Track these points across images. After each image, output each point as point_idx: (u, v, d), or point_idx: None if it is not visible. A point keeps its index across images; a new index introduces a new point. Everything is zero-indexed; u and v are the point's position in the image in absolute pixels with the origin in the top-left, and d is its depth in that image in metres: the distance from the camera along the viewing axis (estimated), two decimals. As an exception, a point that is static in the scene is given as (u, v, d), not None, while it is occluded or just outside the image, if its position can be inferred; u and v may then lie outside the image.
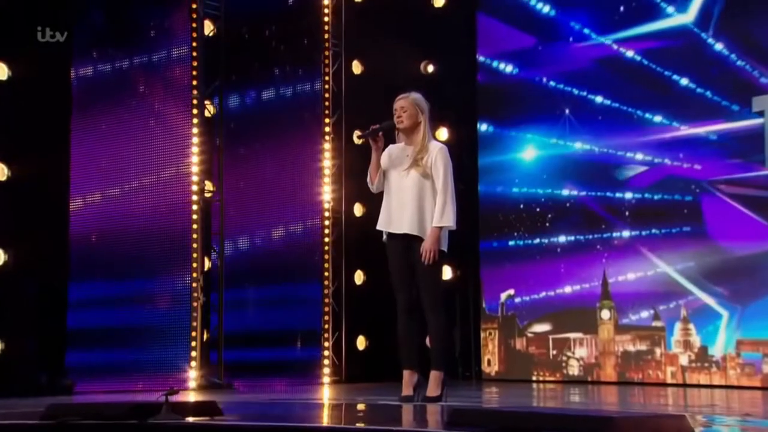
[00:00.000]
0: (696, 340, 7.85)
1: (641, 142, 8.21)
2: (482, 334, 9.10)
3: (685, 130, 7.99)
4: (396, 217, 5.44)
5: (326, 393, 7.45)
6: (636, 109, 8.25)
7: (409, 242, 5.41)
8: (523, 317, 8.88)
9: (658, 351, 8.05)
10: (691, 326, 7.88)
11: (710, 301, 7.80)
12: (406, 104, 5.47)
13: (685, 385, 7.84)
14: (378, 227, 5.51)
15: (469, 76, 9.30)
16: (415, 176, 5.41)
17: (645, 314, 8.15)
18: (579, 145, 8.60)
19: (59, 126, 7.24)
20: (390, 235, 5.48)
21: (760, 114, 7.56)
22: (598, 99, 8.47)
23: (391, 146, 5.59)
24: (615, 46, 8.39)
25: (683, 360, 7.90)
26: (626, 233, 8.28)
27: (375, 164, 5.52)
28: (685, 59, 7.96)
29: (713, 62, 7.81)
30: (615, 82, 8.37)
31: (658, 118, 8.13)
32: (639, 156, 8.25)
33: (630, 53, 8.29)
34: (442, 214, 5.33)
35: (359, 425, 4.34)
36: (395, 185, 5.47)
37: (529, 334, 8.82)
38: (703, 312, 7.85)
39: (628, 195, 8.29)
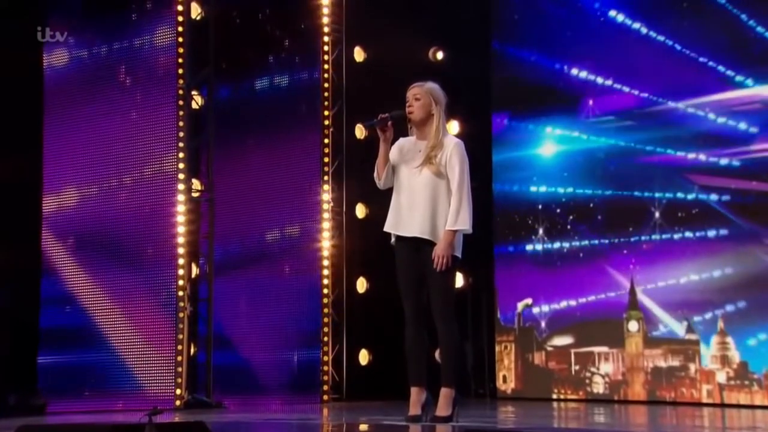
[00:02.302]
0: (735, 355, 7.79)
1: (673, 136, 8.15)
2: (497, 348, 9.06)
3: (723, 123, 7.91)
4: (406, 218, 5.42)
5: (325, 412, 7.41)
6: (667, 100, 8.19)
7: (420, 246, 5.38)
8: (542, 329, 8.83)
9: (692, 367, 8.00)
10: (729, 339, 7.82)
11: (751, 311, 7.71)
12: (420, 93, 5.47)
13: (722, 405, 7.78)
14: (385, 229, 5.48)
15: (483, 64, 9.24)
16: (427, 175, 5.39)
17: (677, 326, 8.10)
18: (604, 140, 8.55)
19: (30, 119, 7.28)
20: (399, 238, 5.46)
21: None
22: (626, 89, 8.42)
23: (401, 139, 5.58)
24: (645, 30, 8.33)
25: (721, 377, 7.84)
26: (656, 236, 8.22)
27: (383, 157, 5.50)
28: (724, 42, 7.89)
29: (755, 44, 7.75)
30: (645, 70, 8.31)
31: (691, 110, 8.07)
32: (670, 151, 8.19)
33: (662, 38, 8.22)
34: (456, 217, 5.31)
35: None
36: (406, 183, 5.46)
37: (549, 348, 8.78)
38: (742, 324, 7.76)
39: (659, 194, 8.23)
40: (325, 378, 8.44)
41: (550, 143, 8.87)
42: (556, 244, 8.77)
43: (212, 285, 8.14)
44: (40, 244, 7.47)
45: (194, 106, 8.12)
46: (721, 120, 7.92)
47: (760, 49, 7.71)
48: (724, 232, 7.87)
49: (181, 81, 7.85)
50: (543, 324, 8.81)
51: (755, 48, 7.74)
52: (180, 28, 7.84)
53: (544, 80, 8.87)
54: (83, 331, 7.68)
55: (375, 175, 5.53)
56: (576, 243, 8.66)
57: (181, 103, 7.84)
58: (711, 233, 7.93)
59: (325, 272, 8.53)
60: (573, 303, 8.63)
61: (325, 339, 8.48)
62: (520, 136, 9.05)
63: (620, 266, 8.37)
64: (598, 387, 8.47)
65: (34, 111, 7.32)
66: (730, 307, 7.80)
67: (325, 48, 8.77)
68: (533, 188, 8.94)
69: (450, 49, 9.40)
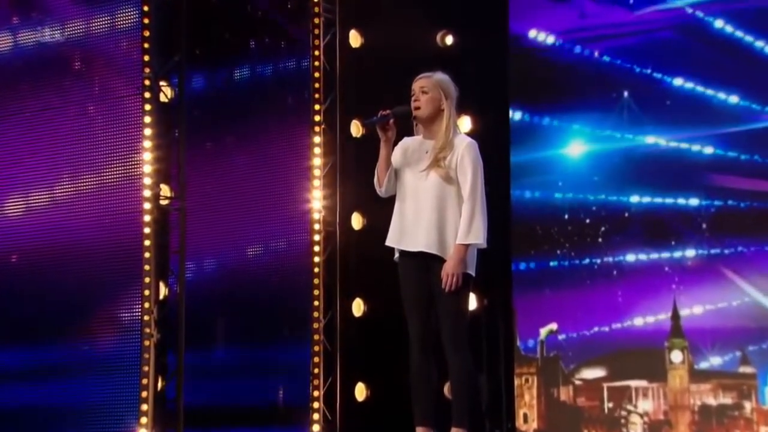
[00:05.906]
0: (798, 391, 7.93)
1: (722, 134, 8.17)
2: (516, 381, 9.02)
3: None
4: (410, 230, 5.41)
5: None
6: (717, 92, 8.19)
7: (427, 263, 5.36)
8: (569, 359, 8.83)
9: (747, 405, 8.02)
10: (792, 373, 7.94)
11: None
12: (428, 86, 5.45)
13: (783, 450, 7.88)
14: (388, 243, 5.47)
15: (499, 50, 9.17)
16: (435, 179, 5.39)
17: (729, 357, 8.11)
18: (641, 138, 8.56)
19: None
20: (403, 253, 5.45)
21: None
22: (667, 78, 8.42)
23: (406, 139, 5.57)
24: (690, 10, 8.35)
25: (781, 417, 7.95)
26: (703, 251, 8.24)
27: (384, 160, 5.48)
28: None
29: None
30: (689, 58, 8.33)
31: (744, 104, 8.09)
32: (719, 152, 8.19)
33: (709, 19, 8.26)
34: (469, 229, 5.29)
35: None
36: (410, 190, 5.46)
37: (577, 382, 8.78)
38: (807, 354, 7.90)
39: (706, 202, 8.24)
40: (316, 416, 8.33)
41: (578, 142, 8.87)
42: (585, 260, 8.76)
43: (183, 307, 8.08)
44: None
45: (163, 99, 8.09)
46: (779, 114, 8.00)
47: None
48: (783, 245, 7.94)
49: (147, 70, 7.84)
50: (570, 353, 8.81)
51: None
52: (146, 8, 7.83)
53: (571, 69, 8.88)
54: (30, 361, 7.64)
55: (375, 181, 5.51)
56: (608, 259, 8.65)
57: (147, 95, 7.84)
58: (768, 247, 7.99)
59: (316, 293, 8.43)
60: (605, 329, 8.62)
61: (316, 371, 8.39)
62: (542, 134, 9.03)
63: (661, 286, 8.37)
64: (636, 428, 8.45)
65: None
66: (792, 335, 7.91)
67: (316, 31, 8.68)
68: (558, 195, 8.93)
69: (461, 33, 9.27)
